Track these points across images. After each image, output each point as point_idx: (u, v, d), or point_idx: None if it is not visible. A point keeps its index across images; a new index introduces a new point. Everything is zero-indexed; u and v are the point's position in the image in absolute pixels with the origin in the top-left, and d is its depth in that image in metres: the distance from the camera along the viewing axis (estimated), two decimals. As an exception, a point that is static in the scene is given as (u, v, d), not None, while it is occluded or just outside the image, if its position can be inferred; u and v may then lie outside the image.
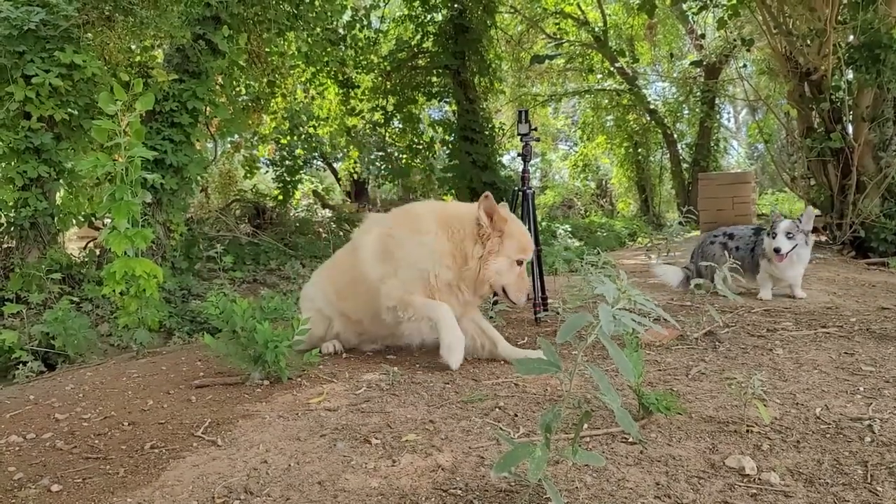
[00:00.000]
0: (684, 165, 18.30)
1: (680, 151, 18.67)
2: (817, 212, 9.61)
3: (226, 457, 2.11)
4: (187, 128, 7.80)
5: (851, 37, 7.80)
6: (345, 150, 17.28)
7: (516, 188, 4.65)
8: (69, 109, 6.43)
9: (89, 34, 7.11)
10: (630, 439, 2.15)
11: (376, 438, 2.21)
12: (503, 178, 13.52)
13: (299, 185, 15.00)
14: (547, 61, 16.98)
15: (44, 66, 6.26)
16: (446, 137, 14.77)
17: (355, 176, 18.59)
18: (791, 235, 4.72)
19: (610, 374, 2.95)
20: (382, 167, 16.28)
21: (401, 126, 15.56)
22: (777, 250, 4.70)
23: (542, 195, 25.24)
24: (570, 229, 11.07)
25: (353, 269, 3.53)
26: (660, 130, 18.75)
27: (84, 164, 4.27)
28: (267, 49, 10.30)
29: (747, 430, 2.21)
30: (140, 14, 7.16)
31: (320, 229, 12.79)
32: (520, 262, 3.30)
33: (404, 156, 15.89)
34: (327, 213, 16.32)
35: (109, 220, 4.34)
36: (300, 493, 1.82)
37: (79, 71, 6.43)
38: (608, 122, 20.31)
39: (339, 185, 21.09)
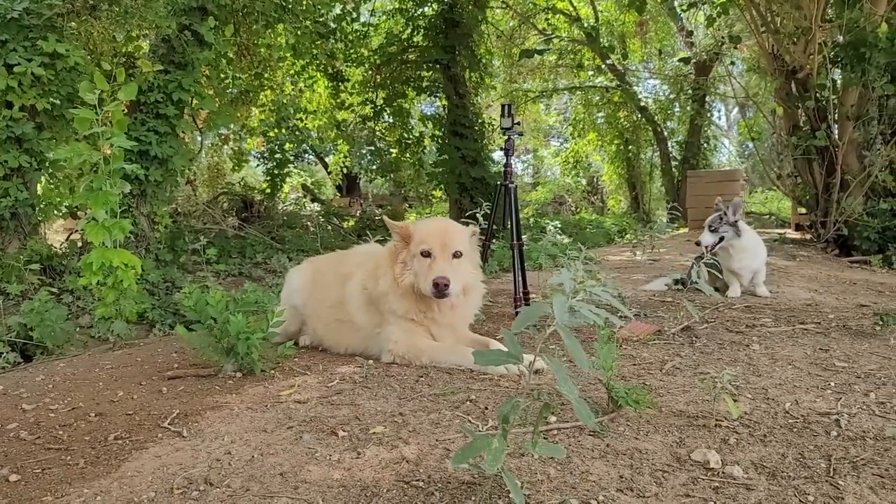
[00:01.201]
0: (674, 163, 18.31)
1: (670, 149, 18.68)
2: (802, 210, 9.66)
3: (190, 448, 2.09)
4: (172, 119, 7.73)
5: (840, 37, 7.81)
6: (334, 143, 17.21)
7: (499, 182, 4.64)
8: (51, 99, 6.36)
9: (73, 23, 7.04)
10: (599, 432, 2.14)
11: (343, 431, 2.19)
12: (493, 174, 13.49)
13: (288, 179, 14.92)
14: (537, 56, 16.96)
15: (26, 54, 6.20)
16: (436, 132, 14.73)
17: (345, 170, 18.53)
18: (714, 228, 4.84)
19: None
20: (372, 162, 16.23)
21: (391, 120, 15.50)
22: (698, 243, 4.85)
23: (534, 191, 25.25)
24: (559, 226, 11.10)
25: (341, 310, 3.47)
26: (650, 128, 18.76)
27: (61, 154, 4.23)
28: (255, 41, 10.23)
29: (716, 425, 2.20)
30: (125, 3, 7.10)
31: (308, 223, 12.75)
32: (426, 254, 3.10)
33: (394, 150, 15.85)
34: (316, 206, 16.27)
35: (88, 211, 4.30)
36: (261, 483, 1.80)
37: (62, 60, 6.37)
38: (599, 119, 20.31)
39: (331, 179, 21.03)
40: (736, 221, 4.82)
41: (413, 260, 3.15)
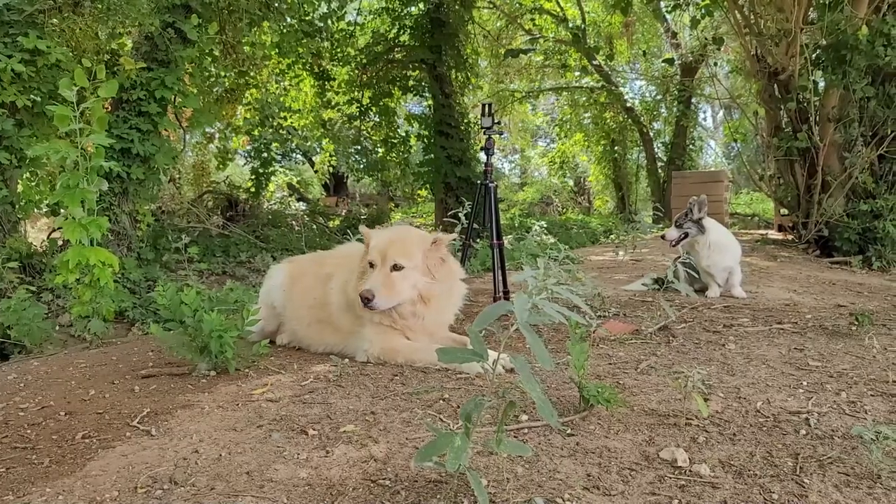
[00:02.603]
0: (660, 164, 18.39)
1: (656, 150, 18.76)
2: (785, 211, 9.73)
3: (157, 447, 2.07)
4: (155, 117, 7.69)
5: (822, 39, 7.87)
6: (319, 142, 17.17)
7: (479, 181, 4.65)
8: (32, 96, 6.31)
9: (55, 20, 6.98)
10: (569, 431, 2.15)
11: (313, 429, 2.18)
12: (478, 174, 13.51)
13: (273, 178, 14.87)
14: (523, 56, 16.99)
15: (6, 51, 6.15)
16: (422, 132, 14.74)
17: (331, 170, 18.50)
18: (679, 224, 4.90)
19: (561, 367, 2.95)
20: (359, 161, 16.21)
21: (377, 120, 15.49)
22: (663, 237, 4.95)
23: (521, 192, 25.30)
24: (544, 226, 11.10)
25: (321, 310, 3.45)
26: (637, 129, 18.84)
27: (39, 150, 4.18)
28: (240, 39, 10.18)
29: (686, 423, 2.21)
30: (108, 0, 7.04)
31: (293, 222, 12.72)
32: (372, 265, 3.12)
33: (380, 150, 15.84)
34: (302, 206, 16.23)
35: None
36: (226, 482, 1.79)
37: (43, 57, 6.32)
38: (586, 119, 20.37)
39: (317, 178, 20.98)
40: (700, 219, 4.85)
41: (367, 269, 3.18)
